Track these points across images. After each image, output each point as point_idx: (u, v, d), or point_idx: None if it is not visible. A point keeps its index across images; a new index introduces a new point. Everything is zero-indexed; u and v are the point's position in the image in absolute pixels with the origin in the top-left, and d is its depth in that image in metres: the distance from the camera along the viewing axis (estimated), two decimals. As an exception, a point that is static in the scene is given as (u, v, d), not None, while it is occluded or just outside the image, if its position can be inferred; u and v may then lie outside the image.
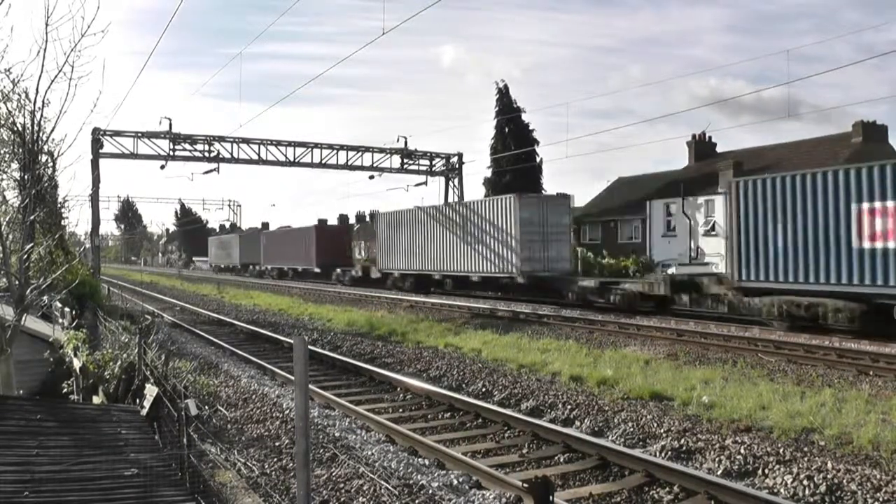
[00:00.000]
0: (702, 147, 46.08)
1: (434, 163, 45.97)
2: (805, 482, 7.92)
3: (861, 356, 15.77)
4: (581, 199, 48.77)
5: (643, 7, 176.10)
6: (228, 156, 40.72)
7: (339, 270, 52.72)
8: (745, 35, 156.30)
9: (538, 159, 53.53)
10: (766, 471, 8.44)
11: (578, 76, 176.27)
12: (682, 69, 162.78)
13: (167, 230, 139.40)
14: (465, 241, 35.46)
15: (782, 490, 7.85)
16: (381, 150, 44.34)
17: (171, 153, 39.16)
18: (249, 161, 41.68)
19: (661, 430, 10.27)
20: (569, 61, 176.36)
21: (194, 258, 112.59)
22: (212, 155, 40.31)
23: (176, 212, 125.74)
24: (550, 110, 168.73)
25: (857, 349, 16.55)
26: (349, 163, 44.14)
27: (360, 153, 44.16)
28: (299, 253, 60.20)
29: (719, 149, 46.58)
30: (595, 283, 28.87)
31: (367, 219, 54.61)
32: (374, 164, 44.52)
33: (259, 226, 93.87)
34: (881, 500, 7.45)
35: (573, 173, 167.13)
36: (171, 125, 38.82)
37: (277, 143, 41.96)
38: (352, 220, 60.23)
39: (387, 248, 42.98)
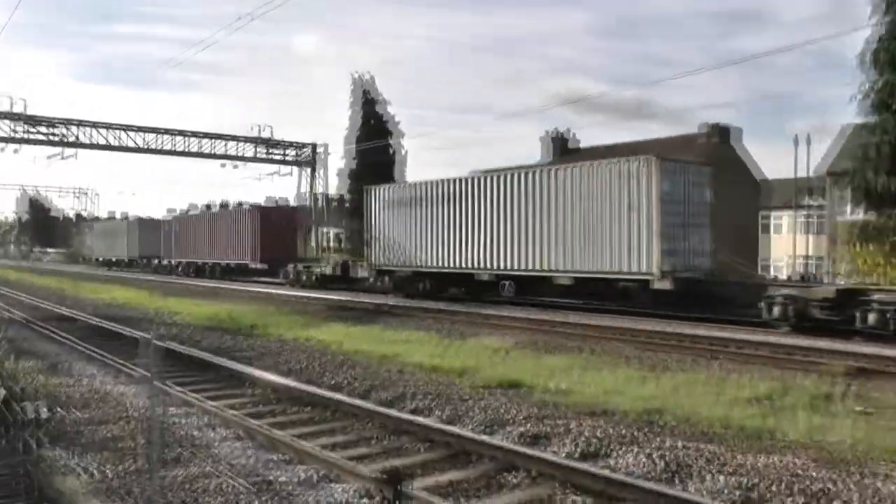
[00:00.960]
0: (561, 143, 47.66)
1: (298, 152, 45.32)
2: (656, 460, 8.15)
3: (712, 341, 16.67)
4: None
5: (507, 5, 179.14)
6: (83, 140, 38.87)
7: (298, 267, 40.69)
8: (605, 37, 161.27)
9: (401, 151, 53.90)
10: (618, 452, 8.64)
11: (441, 70, 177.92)
12: (541, 67, 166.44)
13: (19, 219, 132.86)
14: (547, 225, 25.14)
15: (634, 469, 8.05)
16: (243, 139, 43.34)
17: (18, 135, 36.98)
18: (105, 147, 39.91)
19: (518, 417, 10.36)
20: (432, 55, 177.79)
21: (38, 248, 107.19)
22: (64, 139, 38.36)
23: (31, 200, 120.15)
24: (411, 103, 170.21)
25: (708, 335, 17.41)
26: (212, 150, 42.97)
27: (223, 141, 43.06)
28: (231, 244, 47.82)
29: (576, 145, 48.35)
30: (830, 292, 18.81)
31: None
32: (236, 153, 43.44)
33: (118, 216, 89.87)
34: (723, 472, 7.76)
35: (433, 167, 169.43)
36: (12, 104, 36.68)
37: (138, 129, 40.37)
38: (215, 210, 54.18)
39: (386, 238, 32.39)
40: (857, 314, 17.61)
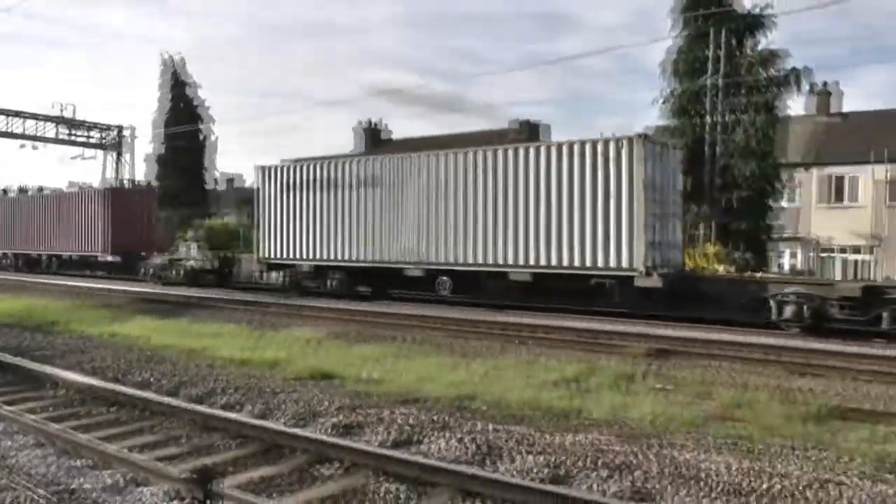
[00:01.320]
0: (373, 134, 48.45)
1: (103, 134, 42.91)
2: (468, 444, 8.39)
3: (521, 327, 17.36)
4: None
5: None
6: None
7: (162, 260, 34.46)
8: (418, 30, 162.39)
9: (212, 137, 52.75)
10: (431, 438, 8.84)
11: (254, 54, 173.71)
12: (354, 57, 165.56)
13: None
14: (503, 212, 21.61)
15: (446, 454, 8.25)
16: (44, 118, 40.36)
17: None
18: None
19: (330, 408, 10.35)
20: (242, 38, 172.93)
21: None
22: None
23: None
24: (222, 87, 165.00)
25: (515, 322, 18.17)
26: (9, 129, 39.83)
27: (21, 119, 39.95)
28: (75, 232, 40.49)
29: (389, 136, 49.21)
30: (853, 290, 16.98)
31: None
32: (35, 133, 40.48)
33: None
34: (532, 452, 8.10)
35: (245, 155, 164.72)
36: None
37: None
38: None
39: (283, 225, 27.32)
40: (885, 314, 16.08)
